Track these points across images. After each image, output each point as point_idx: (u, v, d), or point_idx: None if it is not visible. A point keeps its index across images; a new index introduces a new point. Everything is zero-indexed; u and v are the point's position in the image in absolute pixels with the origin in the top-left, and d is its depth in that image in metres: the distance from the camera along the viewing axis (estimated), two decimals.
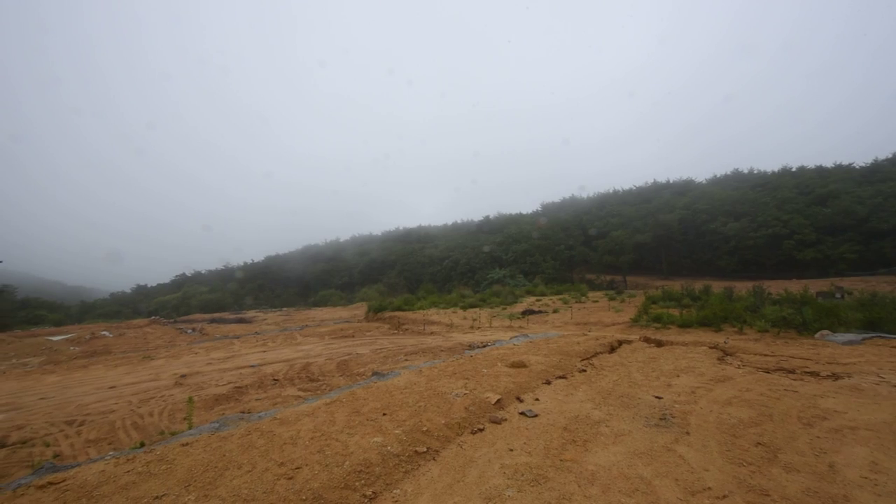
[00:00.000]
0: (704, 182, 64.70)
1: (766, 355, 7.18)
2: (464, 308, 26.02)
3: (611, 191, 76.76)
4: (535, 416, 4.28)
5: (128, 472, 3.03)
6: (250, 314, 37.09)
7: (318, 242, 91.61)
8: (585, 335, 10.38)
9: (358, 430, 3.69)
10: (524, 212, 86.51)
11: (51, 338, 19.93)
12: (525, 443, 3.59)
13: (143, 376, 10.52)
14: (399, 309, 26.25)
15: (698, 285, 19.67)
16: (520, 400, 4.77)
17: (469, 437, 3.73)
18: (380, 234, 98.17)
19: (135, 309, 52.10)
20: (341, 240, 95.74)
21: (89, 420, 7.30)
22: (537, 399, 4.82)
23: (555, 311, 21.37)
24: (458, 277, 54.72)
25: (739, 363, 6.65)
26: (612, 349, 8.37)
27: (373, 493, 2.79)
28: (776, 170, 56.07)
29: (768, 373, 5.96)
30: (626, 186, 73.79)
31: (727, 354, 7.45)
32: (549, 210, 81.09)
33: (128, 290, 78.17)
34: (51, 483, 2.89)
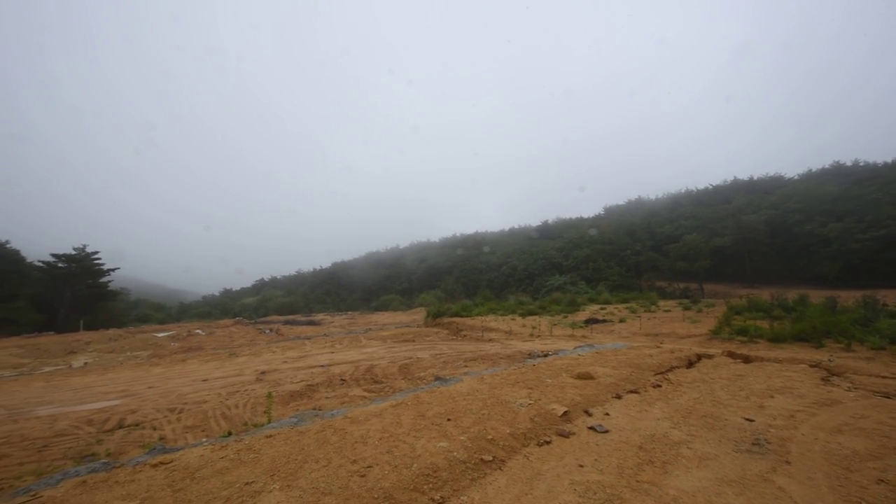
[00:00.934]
0: (796, 178, 57.51)
1: (884, 377, 6.16)
2: (522, 315, 25.50)
3: (683, 191, 71.14)
4: (606, 431, 4.06)
5: (222, 458, 3.37)
6: (319, 317, 39.54)
7: (379, 250, 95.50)
8: (658, 347, 9.65)
9: (424, 434, 3.77)
10: (585, 215, 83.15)
11: (156, 334, 22.89)
12: (596, 459, 3.42)
13: (230, 371, 11.62)
14: (457, 315, 26.41)
15: (791, 294, 17.46)
16: (588, 414, 4.56)
17: (535, 449, 3.63)
18: (438, 240, 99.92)
19: (223, 310, 58.01)
20: (401, 247, 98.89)
21: (187, 408, 8.19)
22: (607, 414, 4.57)
23: (621, 321, 20.17)
24: (515, 284, 53.87)
25: (849, 385, 5.77)
26: (691, 364, 7.69)
27: (441, 497, 2.82)
28: (889, 161, 48.22)
29: (889, 398, 5.10)
30: (702, 186, 67.88)
31: (832, 374, 6.50)
32: (612, 213, 77.13)
33: (216, 294, 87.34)
34: (161, 463, 3.31)
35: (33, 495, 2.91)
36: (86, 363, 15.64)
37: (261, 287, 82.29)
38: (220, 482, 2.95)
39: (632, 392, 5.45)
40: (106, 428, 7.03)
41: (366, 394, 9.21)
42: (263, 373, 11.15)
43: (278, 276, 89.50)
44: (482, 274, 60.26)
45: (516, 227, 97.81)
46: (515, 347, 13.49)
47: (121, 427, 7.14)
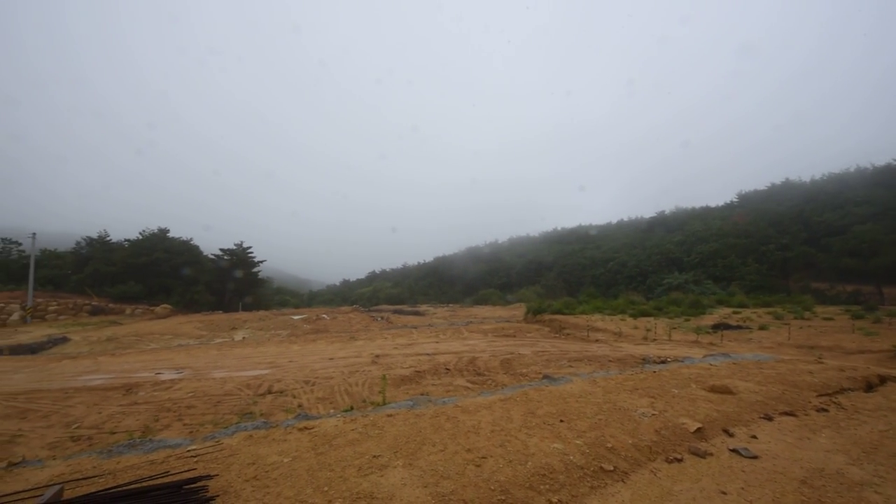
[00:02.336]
0: None
1: None
2: (634, 316, 23.32)
3: (852, 169, 56.81)
4: (755, 457, 3.46)
5: (353, 429, 3.78)
6: (423, 308, 41.81)
7: (479, 244, 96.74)
8: (820, 363, 7.91)
9: (536, 432, 3.69)
10: (712, 204, 72.13)
11: (292, 317, 26.85)
12: (743, 488, 2.94)
13: (350, 353, 12.99)
14: (559, 312, 25.36)
15: None
16: (728, 434, 3.95)
17: (664, 466, 3.28)
18: (537, 235, 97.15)
19: (342, 298, 65.29)
20: (500, 241, 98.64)
21: (318, 382, 9.38)
22: (754, 436, 3.90)
23: (762, 328, 17.08)
24: (624, 281, 49.46)
25: None
26: (870, 387, 6.13)
27: (559, 500, 2.73)
28: None
29: None
30: (881, 161, 53.19)
31: None
32: (749, 201, 65.42)
33: (337, 283, 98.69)
34: (306, 428, 3.85)
35: (217, 441, 3.65)
36: (243, 337, 19.09)
37: (373, 279, 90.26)
38: (352, 452, 3.32)
39: (787, 414, 4.56)
40: (259, 392, 8.43)
41: (469, 385, 9.42)
42: (377, 356, 12.21)
43: (387, 269, 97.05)
44: (586, 270, 56.71)
45: (625, 219, 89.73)
46: (626, 350, 12.43)
47: (269, 393, 8.48)
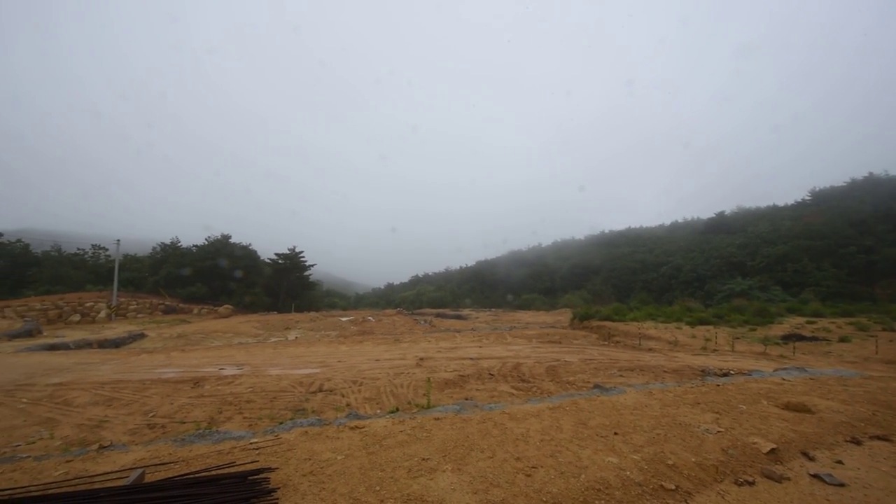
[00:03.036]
0: None
1: None
2: (691, 324, 21.80)
3: None
4: (841, 485, 3.10)
5: (401, 431, 3.84)
6: (465, 312, 41.82)
7: (521, 248, 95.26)
8: None
9: (588, 444, 3.55)
10: (779, 203, 66.11)
11: (340, 318, 27.91)
12: None
13: (395, 355, 13.24)
14: (608, 318, 24.28)
15: None
16: (808, 457, 3.56)
17: (733, 488, 3.02)
18: (582, 238, 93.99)
19: (387, 301, 66.91)
20: (543, 245, 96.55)
21: (365, 383, 9.63)
22: (839, 462, 3.49)
23: (842, 340, 15.33)
24: (679, 287, 46.49)
25: None
26: None
27: None
28: None
29: None
30: None
31: None
32: (824, 198, 59.20)
33: (381, 287, 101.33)
34: (357, 427, 3.97)
35: (276, 436, 3.86)
36: (296, 337, 20.09)
37: (416, 282, 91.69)
38: (402, 453, 3.37)
39: (879, 438, 4.04)
40: (311, 390, 8.80)
41: (513, 391, 9.26)
42: (422, 359, 12.34)
43: (430, 273, 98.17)
44: (637, 274, 53.98)
45: (680, 220, 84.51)
46: (683, 361, 11.65)
47: (320, 391, 8.83)
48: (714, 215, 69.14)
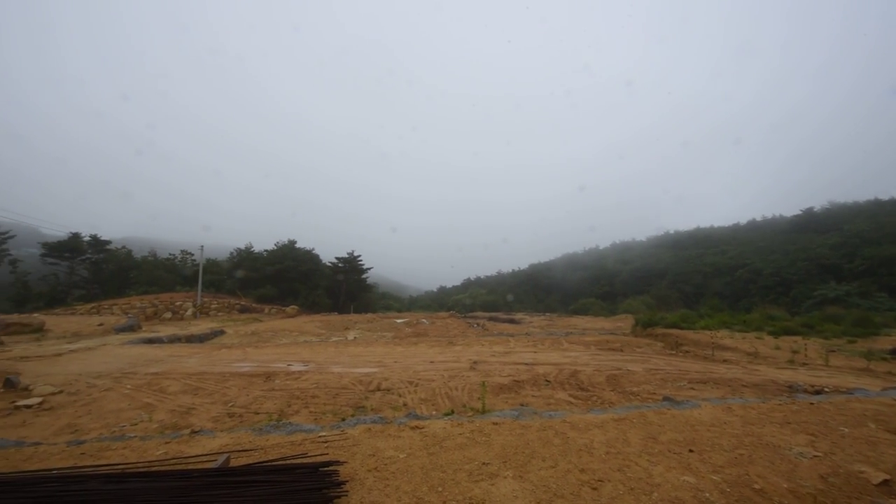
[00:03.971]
0: None
1: None
2: (774, 334, 19.56)
3: None
4: None
5: (460, 433, 3.87)
6: (518, 316, 41.09)
7: (577, 251, 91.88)
8: None
9: (660, 461, 3.32)
10: (884, 196, 57.47)
11: (395, 320, 28.74)
12: None
13: (449, 357, 13.35)
14: (675, 326, 22.54)
15: None
16: None
17: None
18: (644, 239, 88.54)
19: (439, 304, 67.79)
20: (601, 247, 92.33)
21: (420, 383, 9.81)
22: None
23: None
24: (759, 292, 42.06)
25: None
26: None
27: None
28: None
29: None
30: None
31: None
32: None
33: (433, 290, 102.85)
34: (417, 427, 4.06)
35: (342, 431, 4.06)
36: (354, 337, 21.01)
37: (468, 285, 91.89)
38: (461, 456, 3.39)
39: None
40: (370, 389, 9.13)
41: (571, 399, 8.93)
42: (475, 363, 12.31)
43: (482, 276, 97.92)
44: (708, 279, 49.70)
45: (758, 218, 76.57)
46: (766, 375, 10.51)
47: (378, 390, 9.14)
48: (801, 212, 61.94)
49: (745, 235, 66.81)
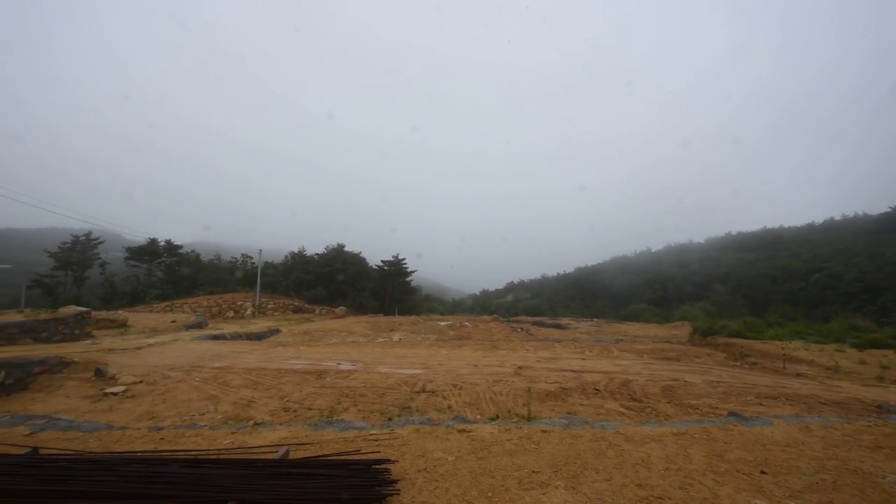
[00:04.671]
0: None
1: None
2: (858, 346, 17.45)
3: None
4: None
5: (508, 439, 3.82)
6: (565, 321, 39.93)
7: (627, 253, 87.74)
8: None
9: (727, 480, 3.08)
10: None
11: (439, 323, 28.99)
12: None
13: (493, 361, 13.24)
14: (738, 335, 20.82)
15: None
16: None
17: None
18: (703, 241, 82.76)
19: (482, 307, 67.51)
20: (653, 250, 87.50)
21: (464, 387, 9.80)
22: None
23: None
24: (839, 300, 37.84)
25: None
26: None
27: None
28: None
29: None
30: None
31: None
32: None
33: (476, 293, 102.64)
34: (464, 430, 4.07)
35: (391, 430, 4.16)
36: (399, 339, 21.45)
37: (511, 289, 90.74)
38: (510, 462, 3.35)
39: None
40: (415, 390, 9.26)
41: (623, 410, 8.52)
42: (520, 368, 12.10)
43: (525, 280, 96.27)
44: (777, 284, 45.48)
45: (838, 217, 68.91)
46: (848, 392, 9.41)
47: (423, 391, 9.24)
48: (890, 209, 54.91)
49: (822, 236, 60.36)
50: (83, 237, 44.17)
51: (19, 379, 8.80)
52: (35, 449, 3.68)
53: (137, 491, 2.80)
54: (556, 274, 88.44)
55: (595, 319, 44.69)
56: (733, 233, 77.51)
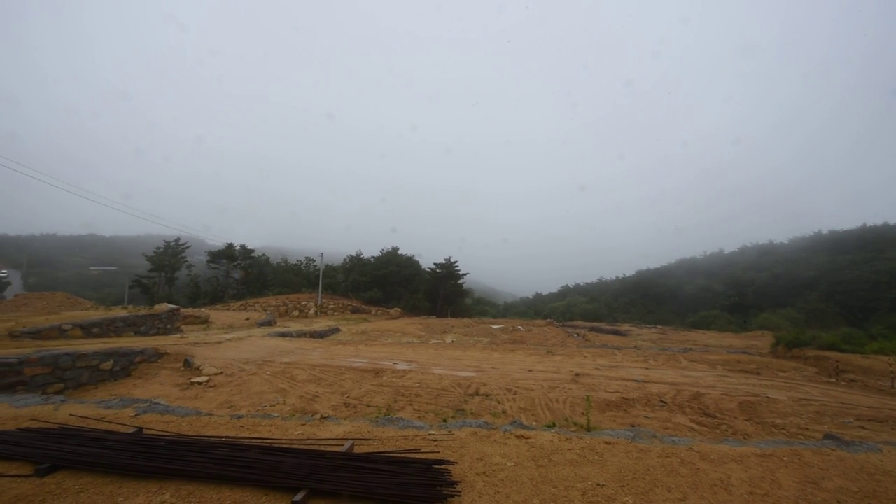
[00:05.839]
0: None
1: None
2: None
3: None
4: None
5: (569, 449, 3.70)
6: (624, 327, 37.80)
7: (695, 255, 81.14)
8: None
9: None
10: None
11: (491, 326, 28.79)
12: None
13: (548, 367, 12.88)
14: (832, 347, 18.34)
15: None
16: None
17: None
18: (786, 241, 74.20)
19: (535, 311, 65.96)
20: (726, 251, 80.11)
21: (519, 392, 9.62)
22: None
23: None
24: None
25: None
26: None
27: None
28: None
29: None
30: None
31: None
32: None
33: (528, 296, 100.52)
34: (523, 437, 4.00)
35: (449, 432, 4.21)
36: (452, 341, 21.60)
37: (566, 293, 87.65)
38: (573, 473, 3.24)
39: None
40: (468, 392, 9.27)
41: (694, 426, 7.92)
42: (577, 375, 11.65)
43: (581, 283, 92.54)
44: (881, 290, 39.57)
45: None
46: None
47: (477, 394, 9.22)
48: None
49: None
50: (173, 243, 49.70)
51: (124, 367, 10.09)
52: (140, 429, 4.21)
53: (223, 473, 3.09)
54: (614, 277, 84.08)
55: (659, 326, 41.78)
56: (824, 231, 68.53)
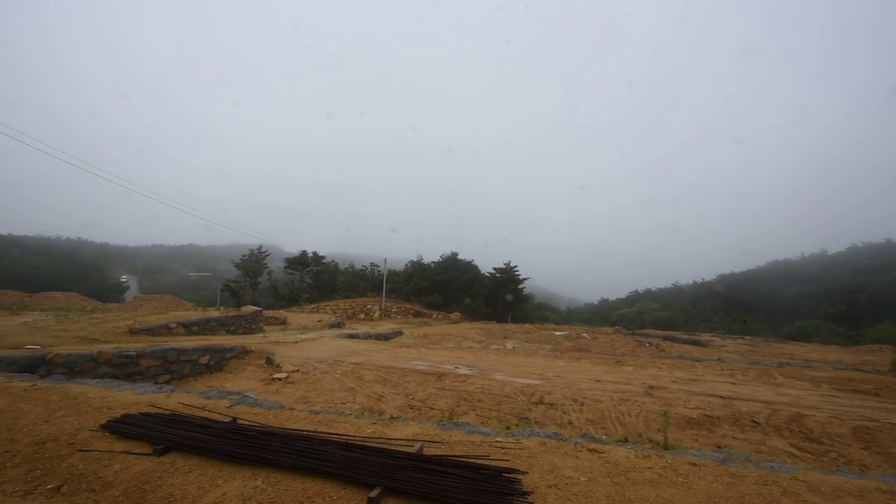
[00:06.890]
0: None
1: None
2: None
3: None
4: None
5: (648, 467, 3.46)
6: (705, 337, 34.50)
7: (790, 257, 71.73)
8: None
9: None
10: None
11: (554, 332, 27.87)
12: None
13: (618, 378, 12.15)
14: None
15: None
16: None
17: None
18: None
19: (601, 318, 62.73)
20: (829, 252, 69.86)
21: (586, 402, 9.18)
22: None
23: None
24: None
25: None
26: None
27: None
28: None
29: None
30: None
31: None
32: None
33: (594, 302, 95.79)
34: (595, 451, 3.82)
35: (517, 440, 4.14)
36: (513, 347, 21.25)
37: (635, 298, 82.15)
38: (653, 494, 3.02)
39: None
40: (532, 400, 9.05)
41: (795, 451, 7.02)
42: (651, 387, 10.84)
43: (652, 289, 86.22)
44: None
45: None
46: None
47: (541, 403, 8.96)
48: None
49: None
50: (256, 251, 54.89)
51: (217, 362, 11.30)
52: (234, 419, 4.68)
53: (306, 464, 3.34)
54: (692, 282, 77.12)
55: (747, 337, 37.45)
56: None
